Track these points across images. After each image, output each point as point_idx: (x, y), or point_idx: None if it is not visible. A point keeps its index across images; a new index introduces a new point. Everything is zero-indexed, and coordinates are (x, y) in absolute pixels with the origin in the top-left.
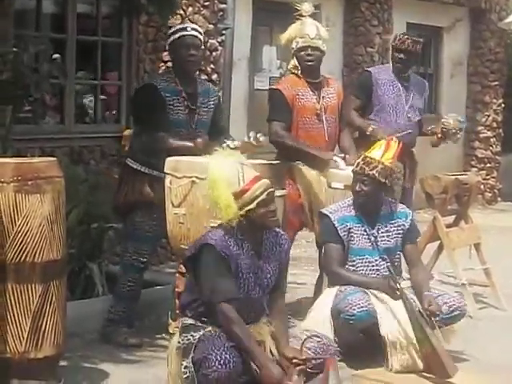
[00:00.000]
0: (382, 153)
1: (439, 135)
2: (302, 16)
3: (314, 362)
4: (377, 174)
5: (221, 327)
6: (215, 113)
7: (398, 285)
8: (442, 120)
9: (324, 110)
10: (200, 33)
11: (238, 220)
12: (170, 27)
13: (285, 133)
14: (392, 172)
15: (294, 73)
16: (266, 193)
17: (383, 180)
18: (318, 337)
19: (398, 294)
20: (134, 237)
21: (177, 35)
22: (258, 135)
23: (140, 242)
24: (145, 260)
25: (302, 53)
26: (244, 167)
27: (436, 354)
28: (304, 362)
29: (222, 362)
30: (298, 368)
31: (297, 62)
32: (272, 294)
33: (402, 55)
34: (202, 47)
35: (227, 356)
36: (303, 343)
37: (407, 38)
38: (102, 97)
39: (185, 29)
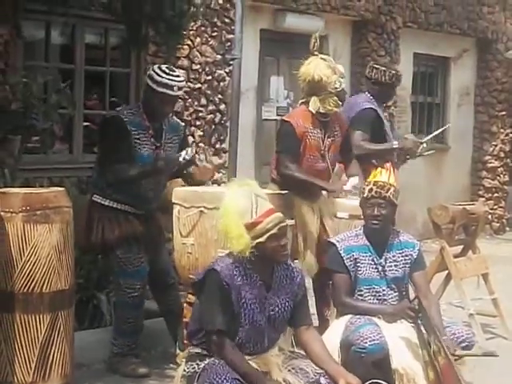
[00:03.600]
0: (388, 177)
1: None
2: (316, 51)
3: None
4: (391, 196)
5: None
6: (181, 145)
7: (413, 303)
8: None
9: (327, 149)
10: (183, 88)
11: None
12: (160, 69)
13: (293, 165)
14: (398, 194)
15: (309, 110)
16: (277, 227)
17: (396, 202)
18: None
19: (415, 313)
20: (124, 273)
21: (160, 89)
22: (208, 157)
23: (131, 277)
24: (138, 293)
25: (342, 92)
26: (259, 199)
27: (451, 366)
28: None
29: None
30: None
31: (337, 101)
32: (298, 328)
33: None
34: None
35: None
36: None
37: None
38: None
39: (171, 88)
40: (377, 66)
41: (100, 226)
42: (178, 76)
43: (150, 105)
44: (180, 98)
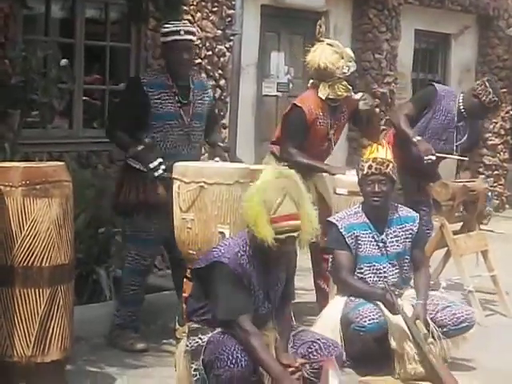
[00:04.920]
0: (385, 153)
1: None
2: (322, 37)
3: (309, 366)
4: (391, 172)
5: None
6: (210, 108)
7: (394, 299)
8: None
9: (334, 133)
10: (193, 33)
11: (251, 239)
12: (165, 24)
13: (295, 151)
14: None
15: (320, 97)
16: (286, 235)
17: (395, 178)
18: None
19: (395, 308)
20: (136, 240)
21: (169, 38)
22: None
23: (142, 245)
24: (147, 263)
25: (352, 75)
26: (287, 198)
27: (434, 371)
28: (298, 368)
29: (233, 361)
30: (296, 375)
31: (347, 85)
32: (279, 301)
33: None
34: (197, 44)
35: (238, 355)
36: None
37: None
38: None
39: (178, 32)
40: (487, 84)
41: (127, 189)
42: (183, 21)
43: (169, 62)
44: None
